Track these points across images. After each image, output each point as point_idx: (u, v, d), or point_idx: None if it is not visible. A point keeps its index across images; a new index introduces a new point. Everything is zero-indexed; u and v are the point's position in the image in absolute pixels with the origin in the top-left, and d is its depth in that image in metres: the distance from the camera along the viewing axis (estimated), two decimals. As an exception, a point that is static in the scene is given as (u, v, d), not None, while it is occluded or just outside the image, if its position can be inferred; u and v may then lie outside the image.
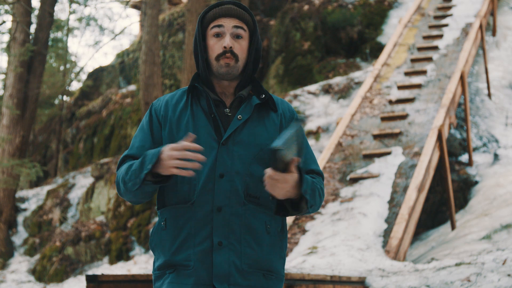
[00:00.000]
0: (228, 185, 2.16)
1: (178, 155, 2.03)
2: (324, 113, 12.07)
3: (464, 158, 10.02)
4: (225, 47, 2.20)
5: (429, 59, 11.18)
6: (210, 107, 2.22)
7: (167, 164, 2.04)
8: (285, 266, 2.33)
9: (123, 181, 2.20)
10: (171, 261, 2.18)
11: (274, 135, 2.24)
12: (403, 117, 9.40)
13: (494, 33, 13.68)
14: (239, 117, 2.21)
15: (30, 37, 14.43)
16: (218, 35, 2.23)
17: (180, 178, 2.20)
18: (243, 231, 2.16)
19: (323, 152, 9.13)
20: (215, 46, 2.23)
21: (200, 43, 2.26)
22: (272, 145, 1.97)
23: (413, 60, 11.24)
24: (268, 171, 2.02)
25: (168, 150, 2.05)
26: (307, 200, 2.12)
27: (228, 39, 2.21)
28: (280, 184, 2.03)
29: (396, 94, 10.20)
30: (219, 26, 2.23)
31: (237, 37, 2.23)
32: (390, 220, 7.32)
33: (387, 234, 7.10)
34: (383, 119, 9.48)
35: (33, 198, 15.46)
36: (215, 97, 2.25)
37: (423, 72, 10.71)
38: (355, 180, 8.26)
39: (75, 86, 24.13)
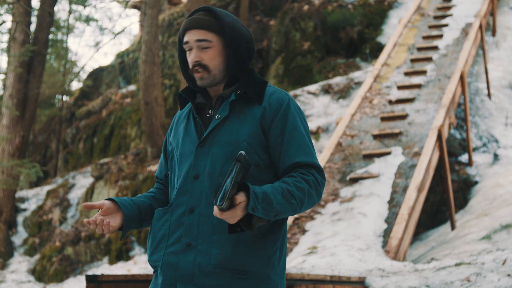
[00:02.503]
0: (200, 186, 2.18)
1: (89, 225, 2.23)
2: (324, 113, 12.07)
3: (464, 158, 10.02)
4: (191, 63, 2.26)
5: (429, 59, 11.18)
6: (194, 112, 2.30)
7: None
8: (284, 266, 2.30)
9: None
10: (150, 262, 2.27)
11: (254, 129, 2.20)
12: (403, 117, 9.40)
13: (494, 33, 13.68)
14: (217, 116, 2.23)
15: (30, 37, 14.43)
16: (189, 50, 2.28)
17: (172, 184, 2.31)
18: (212, 231, 2.15)
19: (323, 152, 9.13)
20: (187, 61, 2.31)
21: (180, 55, 2.35)
22: (215, 203, 1.94)
23: (413, 60, 11.24)
24: (216, 212, 1.97)
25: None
26: (258, 216, 2.05)
27: (193, 54, 2.25)
28: (232, 219, 1.99)
29: (396, 94, 10.20)
30: (185, 42, 2.27)
31: (204, 47, 2.24)
32: (390, 220, 7.32)
33: (387, 234, 7.10)
34: (383, 119, 9.48)
35: (33, 198, 15.46)
36: (201, 101, 2.31)
37: (423, 72, 10.71)
38: (355, 180, 8.26)
39: (75, 86, 24.15)
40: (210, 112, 2.28)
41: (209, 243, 2.15)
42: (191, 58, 2.25)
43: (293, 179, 2.13)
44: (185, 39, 2.26)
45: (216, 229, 2.15)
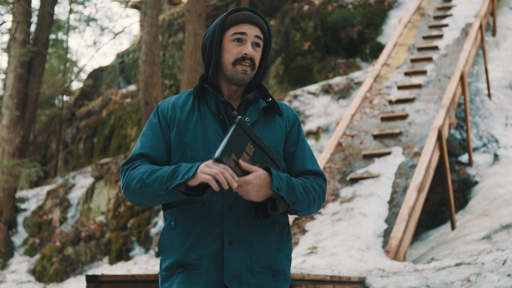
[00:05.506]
0: None
1: (215, 174, 2.02)
2: (324, 113, 12.07)
3: (464, 158, 10.02)
4: (246, 54, 2.24)
5: (429, 59, 11.18)
6: (219, 109, 2.25)
7: (202, 173, 2.03)
8: None
9: (141, 182, 2.15)
10: (182, 260, 2.19)
11: (281, 138, 2.31)
12: (403, 117, 9.40)
13: (494, 33, 13.68)
14: (247, 119, 2.25)
15: (30, 37, 14.43)
16: (239, 40, 2.26)
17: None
18: (253, 231, 2.19)
19: (323, 152, 9.13)
20: (233, 51, 2.25)
21: (217, 45, 2.28)
22: (212, 156, 2.03)
23: (413, 60, 11.24)
24: (230, 179, 2.04)
25: (205, 166, 2.05)
26: (283, 197, 2.12)
27: (250, 47, 2.25)
28: (245, 187, 2.06)
29: (396, 94, 10.20)
30: (242, 33, 2.26)
31: (256, 45, 2.28)
32: (390, 220, 7.32)
33: (387, 234, 7.10)
34: (383, 119, 9.48)
35: (33, 198, 15.46)
36: (224, 99, 2.29)
37: (423, 72, 10.71)
38: (355, 180, 8.26)
39: (75, 86, 24.16)
40: (233, 112, 2.28)
41: (249, 243, 2.18)
42: (246, 50, 2.24)
43: (308, 180, 2.26)
44: (243, 30, 2.26)
45: (255, 230, 2.19)
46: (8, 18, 17.71)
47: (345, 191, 8.09)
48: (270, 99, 2.31)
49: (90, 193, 13.48)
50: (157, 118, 2.31)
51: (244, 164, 2.06)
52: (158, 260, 10.92)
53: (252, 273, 2.17)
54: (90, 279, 3.76)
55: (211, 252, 2.15)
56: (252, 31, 2.26)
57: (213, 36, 2.29)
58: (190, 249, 2.18)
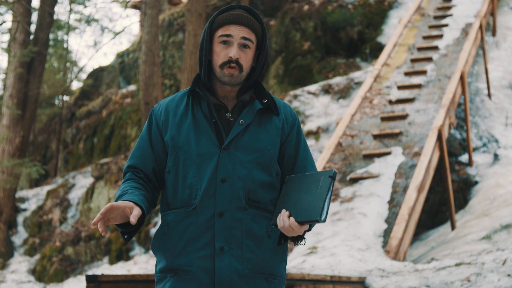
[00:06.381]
0: (229, 190, 2.16)
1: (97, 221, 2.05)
2: (324, 113, 12.07)
3: (464, 158, 10.02)
4: (230, 57, 2.20)
5: (429, 59, 11.18)
6: (211, 112, 2.22)
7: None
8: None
9: None
10: (173, 265, 2.18)
11: (276, 140, 2.25)
12: (403, 117, 9.40)
13: (494, 33, 13.68)
14: (241, 121, 2.21)
15: (31, 37, 14.42)
16: (225, 43, 2.22)
17: (181, 183, 2.21)
18: (244, 236, 2.17)
19: (323, 152, 9.13)
20: (220, 53, 2.22)
21: (206, 45, 2.25)
22: (319, 217, 2.02)
23: (413, 60, 11.24)
24: (292, 223, 2.06)
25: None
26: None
27: (235, 50, 2.20)
28: (296, 232, 2.09)
29: (396, 94, 10.20)
30: (227, 35, 2.21)
31: (244, 46, 2.23)
32: (390, 220, 7.32)
33: (387, 234, 7.10)
34: (383, 119, 9.48)
35: (33, 198, 15.46)
36: (216, 101, 2.25)
37: (423, 72, 10.71)
38: (355, 180, 8.26)
39: (75, 86, 24.16)
40: (227, 115, 2.24)
41: (241, 248, 2.16)
42: (231, 53, 2.20)
43: None
44: (229, 32, 2.21)
45: (248, 234, 2.17)
46: (8, 18, 17.71)
47: (345, 191, 8.09)
48: (266, 100, 2.27)
49: (90, 193, 13.49)
50: (147, 125, 2.31)
51: None
52: (158, 260, 10.91)
53: (243, 279, 2.15)
54: (90, 279, 3.76)
55: (201, 258, 2.14)
56: (239, 33, 2.21)
57: (203, 37, 2.27)
58: (180, 254, 2.17)
